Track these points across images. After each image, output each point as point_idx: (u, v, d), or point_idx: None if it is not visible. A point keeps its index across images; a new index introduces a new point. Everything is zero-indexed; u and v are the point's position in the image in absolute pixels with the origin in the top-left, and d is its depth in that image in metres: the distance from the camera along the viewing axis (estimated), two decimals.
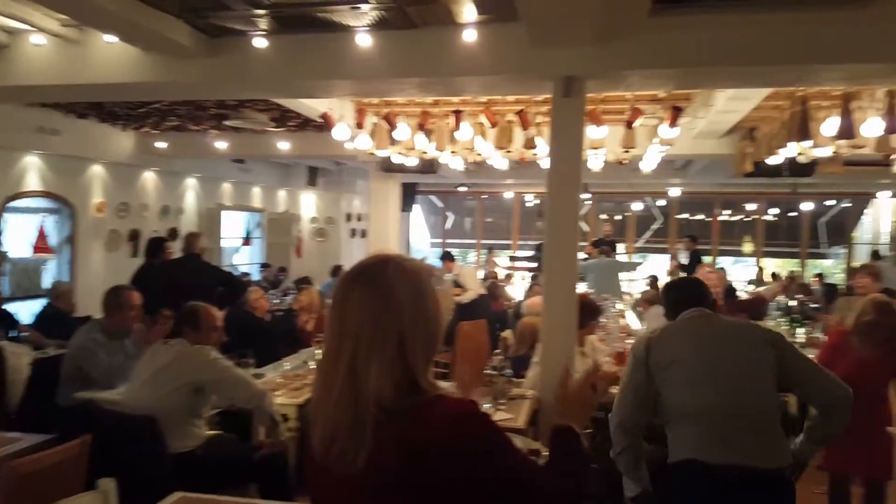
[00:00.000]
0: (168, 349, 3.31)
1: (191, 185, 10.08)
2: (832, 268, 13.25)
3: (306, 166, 11.82)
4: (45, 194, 7.49)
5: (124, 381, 3.62)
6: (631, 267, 9.79)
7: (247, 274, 10.74)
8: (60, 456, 2.49)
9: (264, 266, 11.27)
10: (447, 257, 8.54)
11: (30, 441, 2.82)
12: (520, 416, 3.56)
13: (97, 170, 8.22)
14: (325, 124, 4.91)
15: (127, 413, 3.13)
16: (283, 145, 7.89)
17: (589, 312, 4.16)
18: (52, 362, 4.33)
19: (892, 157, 5.55)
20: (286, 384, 4.12)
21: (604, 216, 14.24)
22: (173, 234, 9.21)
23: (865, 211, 13.36)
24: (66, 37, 4.10)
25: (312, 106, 5.29)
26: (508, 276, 11.15)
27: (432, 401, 1.15)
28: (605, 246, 9.82)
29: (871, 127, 4.32)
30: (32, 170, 7.30)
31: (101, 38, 4.07)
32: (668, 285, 2.87)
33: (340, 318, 1.18)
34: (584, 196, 12.32)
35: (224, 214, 10.85)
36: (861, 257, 13.21)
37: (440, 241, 14.94)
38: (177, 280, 5.12)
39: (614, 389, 4.25)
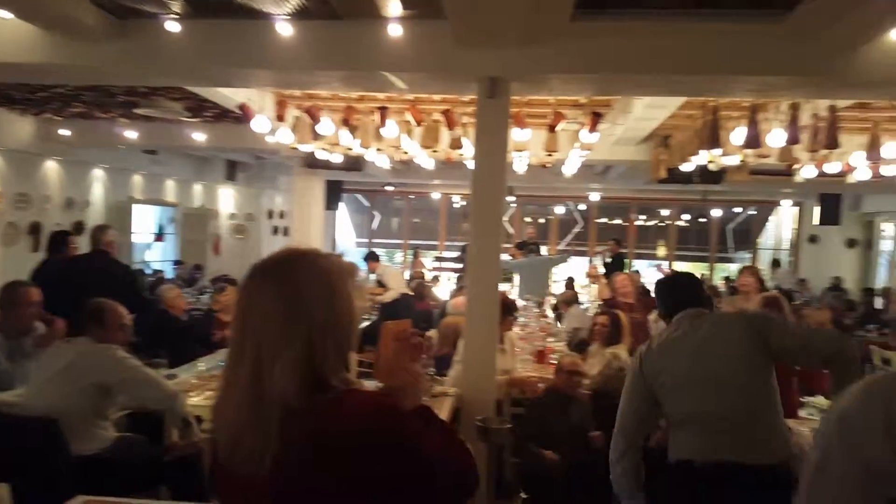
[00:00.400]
0: (70, 348, 3.14)
1: (98, 176, 9.51)
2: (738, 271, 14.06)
3: (224, 159, 11.40)
4: None
5: (23, 382, 3.38)
6: (561, 260, 10.01)
7: (159, 271, 10.28)
8: None
9: (178, 263, 10.81)
10: (371, 257, 8.49)
11: None
12: (441, 412, 3.61)
13: None
14: (243, 116, 4.72)
15: (25, 415, 2.94)
16: (199, 136, 7.56)
17: (504, 309, 4.23)
18: None
19: (794, 166, 5.92)
20: (201, 385, 3.99)
21: (528, 219, 14.54)
22: (79, 227, 8.70)
23: (770, 218, 14.24)
24: None
25: (230, 96, 5.07)
26: (436, 278, 11.18)
27: (343, 396, 1.11)
28: (530, 246, 10.02)
29: (775, 137, 4.58)
30: None
31: None
32: (659, 284, 2.76)
33: (244, 316, 1.14)
34: (508, 198, 12.54)
35: (135, 208, 10.33)
36: (765, 261, 14.10)
37: (366, 240, 14.81)
38: (82, 277, 4.82)
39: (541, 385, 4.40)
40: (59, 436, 2.83)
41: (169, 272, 10.54)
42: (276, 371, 1.08)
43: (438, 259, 13.28)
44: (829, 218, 11.74)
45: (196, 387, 3.97)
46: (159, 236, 11.36)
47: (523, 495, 4.32)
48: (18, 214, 7.97)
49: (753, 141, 4.28)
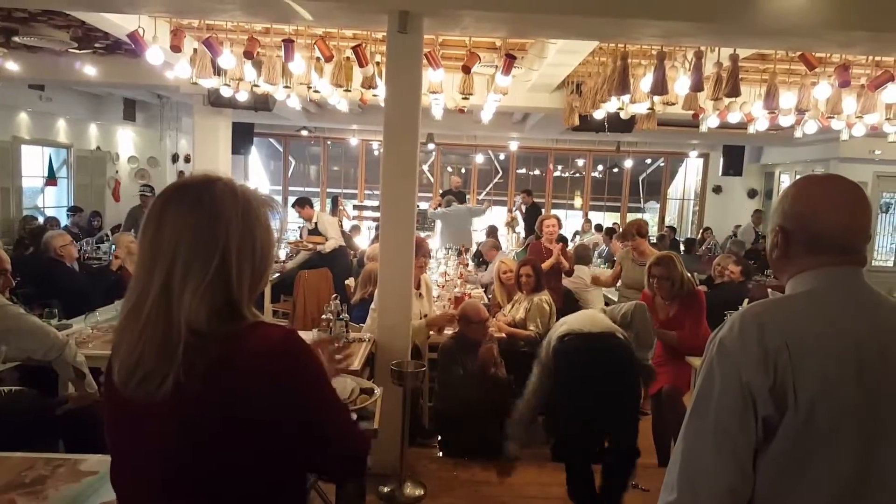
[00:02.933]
0: None
1: None
2: (649, 220, 14.64)
3: (122, 98, 10.62)
4: None
5: None
6: (481, 211, 10.07)
7: (53, 219, 9.58)
8: None
9: (74, 210, 10.10)
10: (304, 203, 7.81)
11: None
12: (356, 358, 3.61)
13: None
14: (134, 46, 4.35)
15: None
16: (90, 70, 6.96)
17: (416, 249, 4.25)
18: None
19: (700, 116, 6.11)
20: (100, 336, 3.86)
21: (449, 168, 14.52)
22: None
23: (679, 169, 14.84)
24: None
25: (120, 24, 4.65)
26: (356, 227, 11.01)
27: (251, 327, 1.08)
28: (452, 195, 10.01)
29: (681, 85, 4.69)
30: None
31: None
32: None
33: (156, 234, 1.06)
34: (429, 146, 12.43)
35: (22, 149, 9.51)
36: (672, 212, 14.74)
37: (281, 187, 14.34)
38: None
39: (449, 331, 4.47)
40: None
41: (64, 219, 9.85)
42: (186, 292, 1.03)
43: (358, 207, 13.07)
44: (733, 169, 12.34)
45: (93, 337, 3.84)
46: (51, 180, 10.52)
47: (439, 438, 4.42)
48: None
49: (660, 86, 4.35)
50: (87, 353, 3.30)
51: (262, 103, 6.76)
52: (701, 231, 12.71)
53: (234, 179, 1.16)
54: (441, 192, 11.82)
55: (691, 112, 5.49)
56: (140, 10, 4.01)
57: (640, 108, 5.40)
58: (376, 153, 13.94)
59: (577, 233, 11.97)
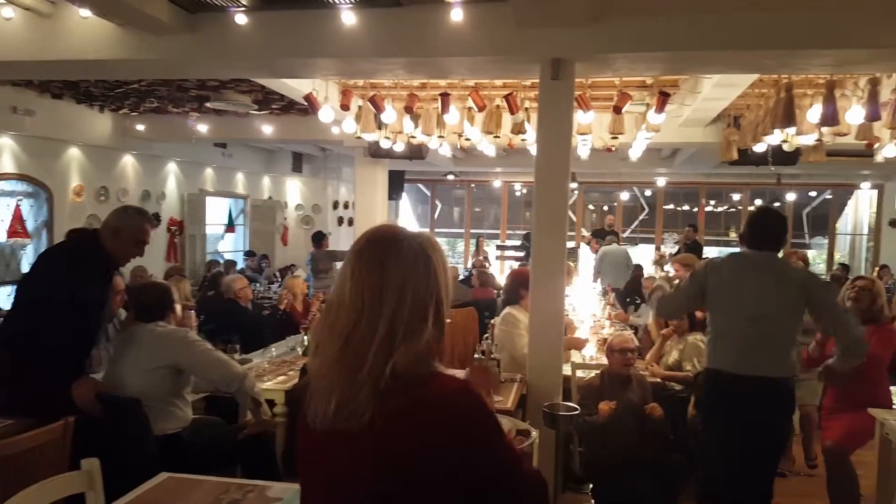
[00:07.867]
0: (144, 331, 3.26)
1: (172, 169, 9.95)
2: (816, 258, 13.39)
3: (291, 152, 11.71)
4: (20, 177, 7.36)
5: (105, 364, 3.58)
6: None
7: (232, 262, 10.66)
8: (44, 437, 2.46)
9: (249, 254, 11.18)
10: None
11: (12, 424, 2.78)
12: (508, 398, 3.64)
13: (74, 152, 8.09)
14: (309, 106, 4.82)
15: (110, 395, 3.07)
16: (267, 129, 7.78)
17: (523, 284, 4.26)
18: None
19: (875, 145, 5.57)
20: (274, 370, 4.16)
21: (591, 206, 14.30)
22: (156, 219, 9.21)
23: (848, 202, 13.52)
24: (38, 10, 3.95)
25: (295, 87, 5.19)
26: (485, 258, 11.08)
27: (434, 375, 1.15)
28: (610, 236, 9.79)
29: (854, 115, 4.33)
30: (6, 151, 7.16)
31: (75, 13, 3.93)
32: (754, 216, 3.15)
33: (345, 285, 1.15)
34: (572, 185, 12.33)
35: (207, 200, 10.73)
36: (842, 248, 13.39)
37: (428, 229, 14.92)
38: None
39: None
40: (142, 414, 2.97)
41: (240, 262, 10.93)
42: (375, 342, 1.10)
43: (500, 248, 13.22)
44: None
45: (269, 371, 4.14)
46: (230, 227, 11.78)
47: (590, 486, 4.26)
48: (100, 207, 8.39)
49: (831, 118, 4.05)
50: (264, 386, 3.61)
51: (416, 152, 7.14)
52: (876, 269, 11.41)
53: (426, 233, 1.24)
54: (594, 231, 11.60)
55: (865, 142, 5.03)
56: (315, 74, 4.45)
57: (808, 140, 5.04)
58: (518, 194, 14.12)
59: None
